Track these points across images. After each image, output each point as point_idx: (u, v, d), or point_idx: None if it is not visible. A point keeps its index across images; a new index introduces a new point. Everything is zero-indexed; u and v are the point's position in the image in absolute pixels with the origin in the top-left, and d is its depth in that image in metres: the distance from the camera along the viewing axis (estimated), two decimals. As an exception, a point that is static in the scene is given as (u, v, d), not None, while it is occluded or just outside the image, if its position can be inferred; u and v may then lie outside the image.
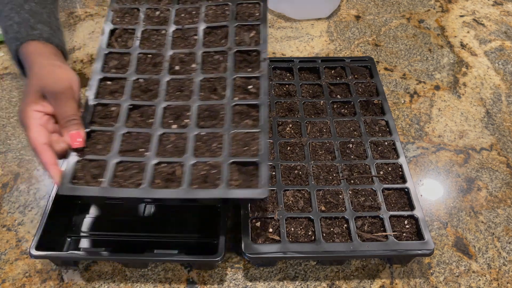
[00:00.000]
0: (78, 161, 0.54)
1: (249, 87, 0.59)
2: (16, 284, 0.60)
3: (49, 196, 0.62)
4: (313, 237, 0.60)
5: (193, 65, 0.61)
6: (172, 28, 0.65)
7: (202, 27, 0.64)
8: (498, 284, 0.61)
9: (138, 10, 0.67)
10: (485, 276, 0.62)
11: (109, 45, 0.64)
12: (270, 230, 0.60)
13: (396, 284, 0.61)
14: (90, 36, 0.97)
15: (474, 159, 0.76)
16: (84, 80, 0.87)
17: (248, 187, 0.51)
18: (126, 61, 0.62)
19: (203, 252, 0.62)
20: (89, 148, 0.55)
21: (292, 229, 0.60)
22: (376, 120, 0.73)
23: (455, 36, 0.99)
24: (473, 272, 0.62)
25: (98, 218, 0.65)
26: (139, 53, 0.63)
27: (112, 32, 0.65)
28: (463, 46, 0.97)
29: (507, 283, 0.61)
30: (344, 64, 0.82)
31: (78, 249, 0.62)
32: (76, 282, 0.60)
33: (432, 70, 0.91)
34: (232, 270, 0.62)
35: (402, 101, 0.84)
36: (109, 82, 0.60)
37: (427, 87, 0.88)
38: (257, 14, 0.65)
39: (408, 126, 0.80)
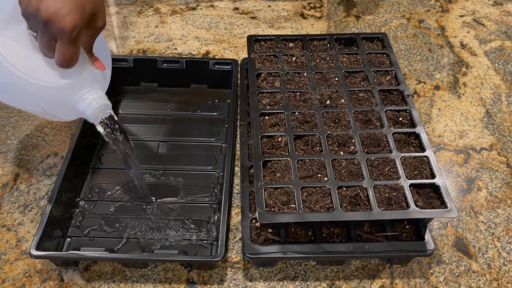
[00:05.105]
0: (264, 190, 0.57)
1: (400, 118, 0.67)
2: (16, 284, 0.60)
3: (49, 196, 0.62)
4: (313, 237, 0.60)
5: (342, 100, 0.69)
6: (312, 71, 0.73)
7: (341, 71, 0.73)
8: (498, 284, 0.61)
9: (276, 56, 0.76)
10: (485, 276, 0.62)
11: (258, 86, 0.71)
12: (270, 230, 0.60)
13: (396, 284, 0.61)
14: (90, 36, 0.97)
15: (474, 159, 0.76)
16: (84, 80, 0.87)
17: (432, 207, 0.56)
18: (278, 98, 0.69)
19: (203, 252, 0.62)
20: (269, 177, 0.59)
21: (292, 229, 0.60)
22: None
23: (455, 36, 0.99)
24: (473, 272, 0.62)
25: (98, 218, 0.65)
26: (288, 91, 0.70)
27: (258, 75, 0.73)
28: (463, 46, 0.97)
29: (507, 283, 0.61)
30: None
31: (78, 249, 0.62)
32: (76, 282, 0.60)
33: (432, 70, 0.91)
34: (232, 270, 0.62)
35: (402, 101, 0.84)
36: (267, 117, 0.67)
37: (427, 87, 0.88)
38: (387, 62, 0.76)
39: (408, 126, 0.80)
